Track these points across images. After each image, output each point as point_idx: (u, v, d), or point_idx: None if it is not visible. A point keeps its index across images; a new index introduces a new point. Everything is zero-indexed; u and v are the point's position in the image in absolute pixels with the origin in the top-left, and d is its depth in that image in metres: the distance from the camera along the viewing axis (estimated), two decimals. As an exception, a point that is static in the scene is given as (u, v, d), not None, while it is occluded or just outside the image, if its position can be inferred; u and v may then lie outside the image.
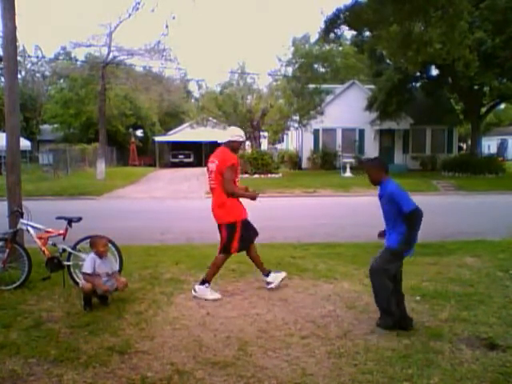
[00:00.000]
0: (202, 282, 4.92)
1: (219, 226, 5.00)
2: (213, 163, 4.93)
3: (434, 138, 26.97)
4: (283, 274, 5.24)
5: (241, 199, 4.99)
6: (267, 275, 5.17)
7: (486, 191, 17.94)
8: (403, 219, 3.81)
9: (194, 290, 4.91)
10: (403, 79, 21.93)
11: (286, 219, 11.40)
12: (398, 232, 3.87)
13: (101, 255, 4.69)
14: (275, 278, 5.16)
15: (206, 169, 5.23)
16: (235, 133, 5.08)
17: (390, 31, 10.03)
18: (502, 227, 9.16)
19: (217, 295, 4.88)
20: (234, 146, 4.98)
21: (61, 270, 5.23)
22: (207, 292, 4.88)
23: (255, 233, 5.10)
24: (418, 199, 3.99)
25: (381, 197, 3.96)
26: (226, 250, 4.92)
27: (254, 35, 66.12)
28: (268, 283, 5.14)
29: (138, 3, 20.93)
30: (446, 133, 26.90)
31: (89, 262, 4.64)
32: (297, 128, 26.07)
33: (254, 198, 4.98)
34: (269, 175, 22.71)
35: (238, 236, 4.87)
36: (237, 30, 73.12)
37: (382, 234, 4.14)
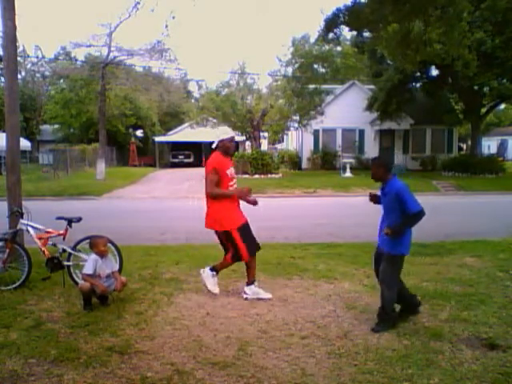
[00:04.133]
0: (212, 269, 4.93)
1: (215, 232, 4.95)
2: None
3: (434, 138, 26.95)
4: (265, 295, 4.89)
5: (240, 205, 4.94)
6: (249, 285, 4.94)
7: (486, 191, 17.94)
8: (403, 217, 3.88)
9: (203, 271, 4.93)
10: (403, 79, 21.93)
11: (286, 219, 11.39)
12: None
13: (102, 255, 4.70)
14: (256, 292, 4.89)
15: None
16: (222, 133, 5.06)
17: (388, 30, 10.02)
18: (501, 227, 9.17)
19: (216, 289, 4.88)
20: (224, 146, 4.89)
21: (61, 270, 5.23)
22: (210, 280, 4.89)
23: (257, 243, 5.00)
24: (418, 199, 3.98)
25: (385, 194, 4.01)
26: (237, 259, 4.87)
27: (254, 35, 66.11)
28: (245, 293, 4.91)
29: (138, 3, 20.94)
30: (445, 133, 26.88)
31: (90, 262, 4.64)
32: (297, 128, 26.05)
33: (246, 194, 4.87)
34: (269, 175, 22.70)
35: (242, 244, 4.76)
36: (237, 30, 73.13)
37: (373, 198, 4.25)
